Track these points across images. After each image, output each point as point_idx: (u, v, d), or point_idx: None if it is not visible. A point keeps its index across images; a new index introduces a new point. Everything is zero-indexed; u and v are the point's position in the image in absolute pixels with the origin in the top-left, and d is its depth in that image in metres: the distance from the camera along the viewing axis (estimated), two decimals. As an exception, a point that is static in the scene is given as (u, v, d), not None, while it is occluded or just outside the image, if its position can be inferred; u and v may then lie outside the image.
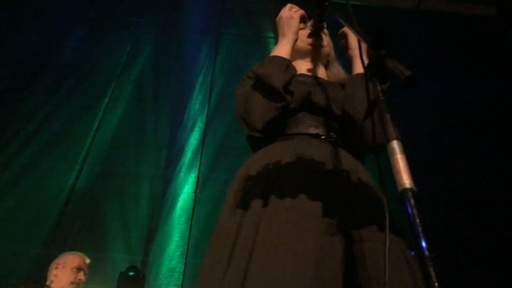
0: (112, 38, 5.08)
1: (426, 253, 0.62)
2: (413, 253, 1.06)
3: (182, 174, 4.21)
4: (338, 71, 1.70)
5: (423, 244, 0.63)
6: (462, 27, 5.15)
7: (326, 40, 1.67)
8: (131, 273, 3.33)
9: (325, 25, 1.60)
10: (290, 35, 1.52)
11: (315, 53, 1.66)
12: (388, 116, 0.82)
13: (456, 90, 4.52)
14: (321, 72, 1.68)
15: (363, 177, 1.24)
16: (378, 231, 1.06)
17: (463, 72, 4.66)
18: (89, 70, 4.74)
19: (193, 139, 4.46)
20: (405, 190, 0.70)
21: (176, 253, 3.67)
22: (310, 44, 1.64)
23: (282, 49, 1.50)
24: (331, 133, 1.37)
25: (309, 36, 1.64)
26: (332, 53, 1.74)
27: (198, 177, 4.11)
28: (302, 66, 1.66)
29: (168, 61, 4.98)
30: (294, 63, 1.67)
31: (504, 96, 4.67)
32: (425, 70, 4.62)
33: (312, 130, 1.36)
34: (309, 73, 1.63)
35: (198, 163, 4.23)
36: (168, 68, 4.91)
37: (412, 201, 0.68)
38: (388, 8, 5.59)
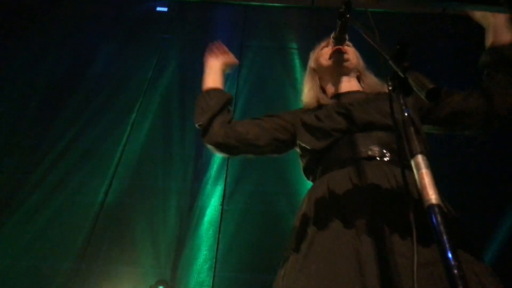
0: (139, 54, 5.19)
1: (456, 271, 0.60)
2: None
3: (208, 186, 4.23)
4: (371, 81, 1.67)
5: (452, 261, 0.61)
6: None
7: (350, 52, 1.65)
8: (160, 287, 3.36)
9: (347, 37, 1.59)
10: (207, 69, 1.75)
11: (341, 70, 1.64)
12: (412, 129, 0.80)
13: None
14: (355, 86, 1.65)
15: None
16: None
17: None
18: (117, 86, 4.84)
19: (219, 152, 4.48)
20: (432, 205, 0.68)
21: (205, 267, 3.67)
22: (334, 62, 1.63)
23: (204, 82, 1.75)
24: (384, 152, 1.31)
25: (331, 55, 1.63)
26: (361, 63, 1.71)
27: (224, 190, 4.12)
28: (334, 86, 1.64)
29: (194, 75, 5.00)
30: (326, 85, 1.67)
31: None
32: (453, 73, 4.54)
33: (364, 154, 1.31)
34: (343, 91, 1.61)
35: (225, 175, 4.25)
36: (194, 82, 4.92)
37: (439, 217, 0.66)
38: (414, 14, 5.52)
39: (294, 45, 5.29)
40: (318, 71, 1.70)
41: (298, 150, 1.60)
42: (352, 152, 1.32)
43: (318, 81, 1.70)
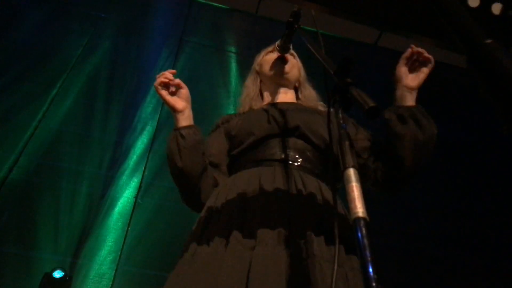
0: (70, 28, 4.90)
1: (374, 284, 0.62)
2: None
3: (124, 177, 4.07)
4: (309, 93, 1.70)
5: (371, 274, 0.63)
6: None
7: (292, 62, 1.67)
8: (57, 275, 3.16)
9: (291, 46, 1.61)
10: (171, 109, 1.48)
11: (281, 81, 1.66)
12: (347, 143, 0.82)
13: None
14: (292, 98, 1.68)
15: (326, 196, 1.23)
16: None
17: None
18: (41, 57, 4.51)
19: (141, 143, 4.34)
20: (358, 218, 0.69)
21: (108, 258, 3.51)
22: (275, 73, 1.64)
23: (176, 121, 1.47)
24: (297, 157, 1.35)
25: (273, 62, 1.65)
26: (302, 74, 1.74)
27: (141, 182, 3.99)
28: (271, 96, 1.66)
29: (126, 60, 4.86)
30: (265, 91, 1.69)
31: (455, 139, 4.93)
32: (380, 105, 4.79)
33: (278, 156, 1.35)
34: (276, 100, 1.63)
35: (143, 167, 4.11)
36: (125, 67, 4.79)
37: (364, 231, 0.68)
38: (349, 40, 5.76)
39: (233, 49, 5.30)
40: (261, 75, 1.71)
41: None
42: (265, 154, 1.36)
43: (259, 85, 1.71)
